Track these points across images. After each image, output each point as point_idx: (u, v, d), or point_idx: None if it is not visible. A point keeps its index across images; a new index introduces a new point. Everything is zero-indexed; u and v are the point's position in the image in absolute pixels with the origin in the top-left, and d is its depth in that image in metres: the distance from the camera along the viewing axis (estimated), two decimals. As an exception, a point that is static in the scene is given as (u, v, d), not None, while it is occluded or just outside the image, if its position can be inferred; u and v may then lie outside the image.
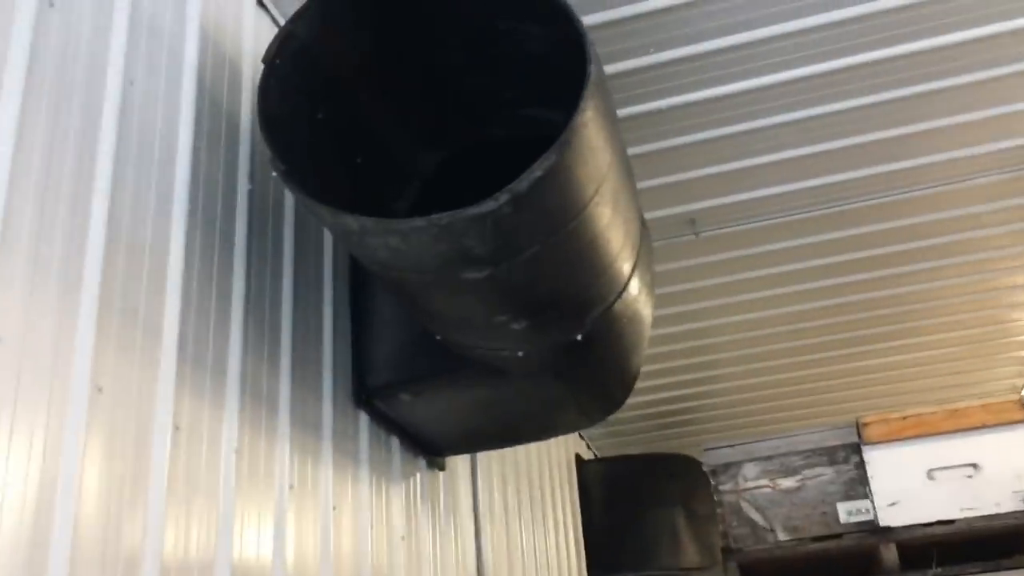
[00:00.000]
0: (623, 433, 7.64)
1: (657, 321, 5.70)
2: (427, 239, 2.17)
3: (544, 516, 5.55)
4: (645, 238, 2.98)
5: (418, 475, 3.55)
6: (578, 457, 6.89)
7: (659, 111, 3.69)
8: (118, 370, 1.92)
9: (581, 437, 7.49)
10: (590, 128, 2.18)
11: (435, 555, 3.55)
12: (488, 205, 2.08)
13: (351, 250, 2.45)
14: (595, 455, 7.77)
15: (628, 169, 2.68)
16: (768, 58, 3.53)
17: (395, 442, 3.36)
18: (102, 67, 2.06)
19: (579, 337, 2.78)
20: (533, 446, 5.59)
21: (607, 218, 2.46)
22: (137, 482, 1.91)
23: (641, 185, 4.18)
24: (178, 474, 2.05)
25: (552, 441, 6.19)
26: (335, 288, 3.09)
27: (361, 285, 3.17)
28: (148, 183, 2.15)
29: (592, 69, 2.15)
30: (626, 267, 2.76)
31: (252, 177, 2.64)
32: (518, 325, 2.62)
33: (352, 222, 2.17)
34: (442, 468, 3.77)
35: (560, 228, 2.29)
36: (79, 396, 1.78)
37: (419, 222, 2.11)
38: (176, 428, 2.08)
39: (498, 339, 2.73)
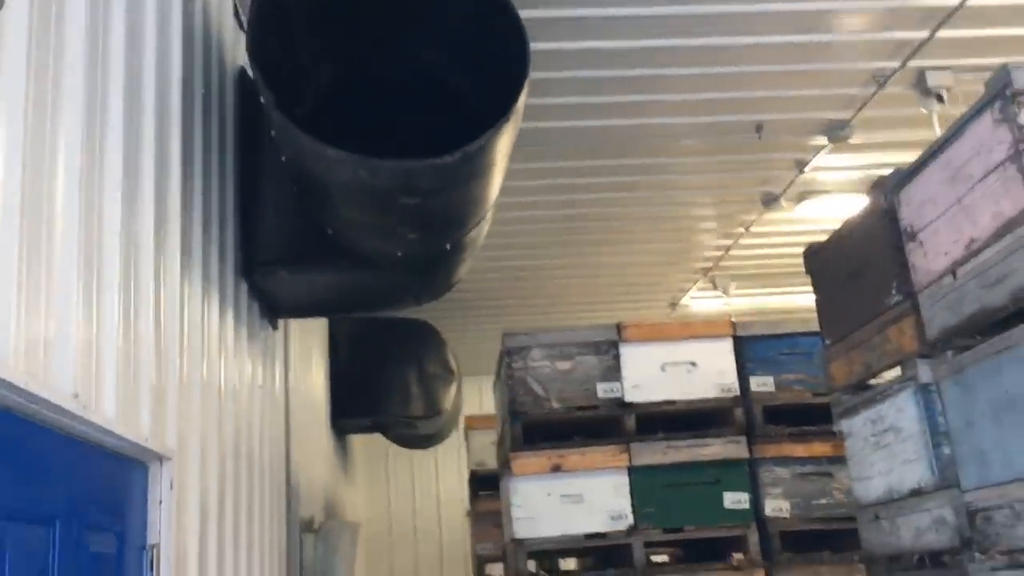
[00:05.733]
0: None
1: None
2: (390, 176, 2.78)
3: (316, 363, 6.27)
4: (502, 172, 3.74)
5: (263, 335, 4.13)
6: (331, 317, 7.60)
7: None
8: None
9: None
10: (519, 105, 2.89)
11: (274, 399, 4.19)
12: (446, 159, 2.74)
13: (308, 167, 2.96)
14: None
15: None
16: None
17: (256, 306, 3.91)
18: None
19: (448, 247, 3.52)
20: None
21: (503, 164, 3.19)
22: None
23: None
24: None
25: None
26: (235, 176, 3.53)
27: (252, 174, 3.62)
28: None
29: (528, 68, 2.84)
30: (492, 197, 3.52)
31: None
32: (413, 235, 3.31)
33: (332, 153, 2.72)
34: (276, 328, 4.36)
35: (479, 174, 3.00)
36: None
37: (392, 164, 2.72)
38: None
39: (390, 243, 3.39)
